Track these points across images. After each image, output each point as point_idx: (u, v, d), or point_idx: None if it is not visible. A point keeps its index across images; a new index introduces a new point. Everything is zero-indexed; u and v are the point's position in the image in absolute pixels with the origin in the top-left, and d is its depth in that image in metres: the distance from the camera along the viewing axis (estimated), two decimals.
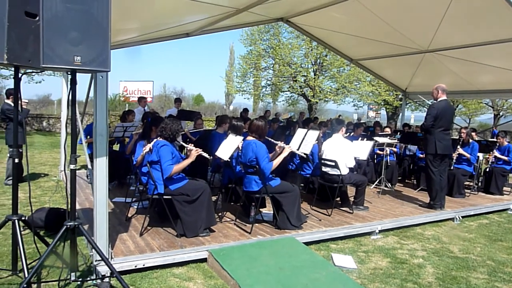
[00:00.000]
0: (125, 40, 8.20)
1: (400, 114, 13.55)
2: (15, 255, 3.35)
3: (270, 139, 5.31)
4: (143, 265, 3.78)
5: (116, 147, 7.97)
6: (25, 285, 2.89)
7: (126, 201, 5.86)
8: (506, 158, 8.13)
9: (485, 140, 9.75)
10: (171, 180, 4.43)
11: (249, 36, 25.06)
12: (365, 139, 7.37)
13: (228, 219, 5.25)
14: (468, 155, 7.68)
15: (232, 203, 5.94)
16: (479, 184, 8.39)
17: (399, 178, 8.95)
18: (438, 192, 6.33)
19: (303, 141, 5.42)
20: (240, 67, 27.16)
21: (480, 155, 8.31)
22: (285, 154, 4.91)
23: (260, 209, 5.29)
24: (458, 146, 7.70)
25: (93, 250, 3.36)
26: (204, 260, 4.09)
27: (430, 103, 6.48)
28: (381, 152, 8.18)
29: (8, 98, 7.25)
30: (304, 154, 5.35)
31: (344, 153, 5.85)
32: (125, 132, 7.12)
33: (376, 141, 7.50)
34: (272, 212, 5.11)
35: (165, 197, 4.42)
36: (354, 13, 7.22)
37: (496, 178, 8.05)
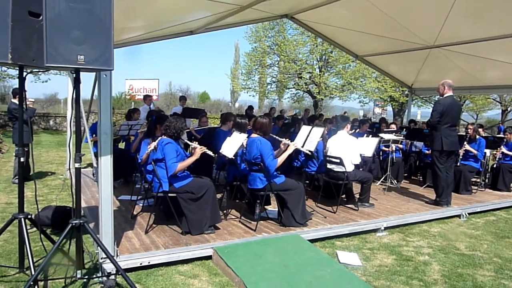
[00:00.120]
0: (129, 38, 8.23)
1: (406, 110, 13.46)
2: (22, 253, 3.38)
3: (274, 136, 5.30)
4: (148, 262, 3.80)
5: (121, 145, 8.00)
6: (31, 283, 2.92)
7: (131, 199, 5.89)
8: None
9: (492, 136, 9.66)
10: (176, 178, 4.44)
11: (254, 33, 25.03)
12: (371, 135, 7.34)
13: (233, 217, 5.26)
14: (475, 151, 7.62)
15: (237, 201, 5.96)
16: (486, 180, 8.33)
17: (405, 174, 8.91)
18: (444, 188, 6.29)
19: (307, 138, 5.41)
20: (245, 64, 27.14)
21: (487, 151, 8.24)
22: (289, 151, 4.90)
23: (265, 207, 5.29)
24: (465, 142, 7.64)
25: (99, 248, 3.38)
26: (209, 257, 4.10)
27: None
28: (386, 149, 8.14)
29: (14, 97, 7.30)
30: (309, 151, 5.33)
31: (349, 150, 5.83)
32: (130, 130, 7.15)
33: (381, 137, 7.46)
34: (277, 209, 5.11)
35: (170, 195, 4.44)
36: (359, 8, 7.17)
37: (503, 175, 7.97)
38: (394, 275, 3.94)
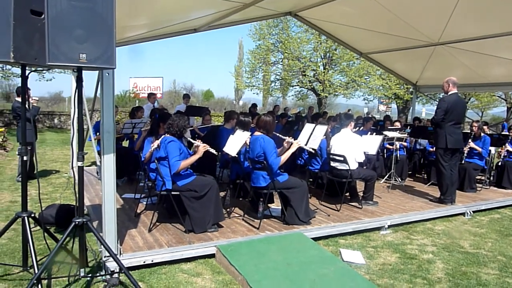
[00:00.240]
0: (133, 37, 8.22)
1: (411, 108, 13.40)
2: (26, 252, 3.40)
3: (278, 134, 5.29)
4: (152, 260, 3.81)
5: (125, 143, 8.02)
6: (35, 281, 2.93)
7: (135, 197, 5.91)
8: None
9: (497, 134, 9.60)
10: (179, 176, 4.44)
11: (257, 31, 24.95)
12: (375, 133, 7.31)
13: (237, 215, 5.26)
14: (480, 149, 7.57)
15: (240, 199, 5.95)
16: (491, 178, 8.27)
17: (409, 172, 8.87)
18: (448, 186, 6.25)
19: (311, 136, 5.39)
20: (249, 62, 27.10)
21: (492, 149, 8.17)
22: (293, 149, 4.89)
23: (268, 205, 5.29)
24: (470, 140, 7.59)
25: (102, 246, 3.39)
26: (212, 255, 4.10)
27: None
28: (391, 147, 8.10)
29: (18, 96, 7.32)
30: (312, 149, 5.32)
31: (353, 148, 5.80)
32: (134, 128, 7.16)
33: (385, 135, 7.43)
34: (280, 207, 5.10)
35: (173, 193, 4.44)
36: (363, 6, 7.13)
37: (508, 172, 7.92)
38: (398, 273, 3.93)
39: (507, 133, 9.44)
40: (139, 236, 4.28)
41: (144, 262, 3.77)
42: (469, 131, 7.96)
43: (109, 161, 3.46)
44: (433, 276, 3.90)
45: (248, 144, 5.00)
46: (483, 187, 7.84)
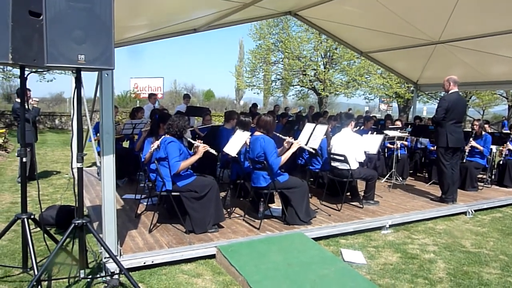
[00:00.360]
0: (133, 37, 8.23)
1: (412, 107, 13.38)
2: (26, 253, 3.39)
3: (278, 134, 5.28)
4: (152, 261, 3.80)
5: (126, 144, 8.01)
6: (34, 283, 2.92)
7: (136, 197, 5.90)
8: None
9: (498, 132, 9.58)
10: (179, 177, 4.43)
11: (258, 31, 24.94)
12: (375, 132, 7.29)
13: (237, 215, 5.25)
14: (481, 148, 7.55)
15: (241, 199, 5.94)
16: (493, 177, 8.24)
17: (410, 171, 8.85)
18: (450, 185, 6.23)
19: (311, 136, 5.37)
20: (249, 62, 27.10)
21: (494, 147, 8.15)
22: (293, 149, 4.87)
23: (269, 205, 5.28)
24: (471, 139, 7.57)
25: (102, 247, 3.38)
26: (212, 256, 4.09)
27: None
28: (391, 146, 8.09)
29: (19, 97, 7.32)
30: (313, 149, 5.30)
31: (353, 147, 5.79)
32: (134, 129, 7.15)
33: (386, 134, 7.41)
34: (281, 207, 5.08)
35: (173, 193, 4.43)
36: (363, 5, 7.11)
37: (510, 171, 7.88)
38: (399, 273, 3.91)
39: (508, 131, 9.41)
40: (139, 237, 4.28)
41: (144, 263, 3.76)
42: (470, 130, 7.93)
43: (109, 162, 3.46)
44: (434, 276, 3.88)
45: (248, 144, 4.99)
46: (485, 186, 7.82)
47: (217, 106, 38.25)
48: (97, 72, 3.93)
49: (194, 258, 4.02)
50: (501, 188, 7.78)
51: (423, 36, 8.13)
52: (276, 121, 6.87)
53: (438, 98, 6.41)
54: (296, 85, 26.72)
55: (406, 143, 8.46)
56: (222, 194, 5.54)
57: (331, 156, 5.94)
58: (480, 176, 8.02)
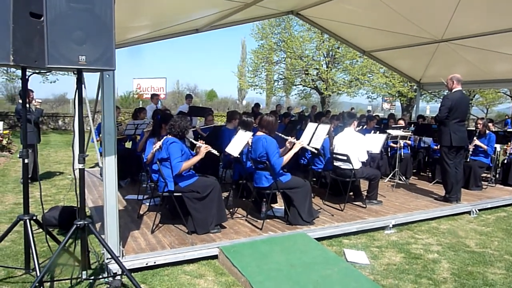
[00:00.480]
0: (135, 37, 8.24)
1: (415, 106, 13.34)
2: (28, 254, 3.39)
3: (280, 134, 5.26)
4: (154, 262, 3.79)
5: (128, 144, 8.02)
6: (37, 284, 2.92)
7: (138, 198, 5.90)
8: None
9: (502, 131, 9.52)
10: (181, 177, 4.42)
11: (260, 30, 24.94)
12: (378, 132, 7.26)
13: (239, 215, 5.24)
14: (485, 147, 7.50)
15: (243, 199, 5.93)
16: (497, 176, 8.19)
17: (414, 171, 8.80)
18: (453, 185, 6.19)
19: (313, 136, 5.36)
20: (251, 62, 27.10)
21: (498, 146, 8.10)
22: (295, 150, 4.86)
23: (271, 205, 5.26)
24: (475, 137, 7.52)
25: (104, 248, 3.38)
26: (215, 257, 4.08)
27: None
28: (395, 145, 8.05)
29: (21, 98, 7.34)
30: (315, 149, 5.28)
31: (356, 147, 5.77)
32: (136, 129, 7.16)
33: (389, 134, 7.38)
34: (283, 207, 5.07)
35: (175, 194, 4.42)
36: (365, 4, 7.08)
37: None
38: (403, 273, 3.89)
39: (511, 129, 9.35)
40: (141, 238, 4.27)
41: (146, 264, 3.75)
42: (474, 129, 7.89)
43: (111, 163, 3.45)
44: (438, 276, 3.85)
45: (251, 144, 4.97)
46: (489, 185, 7.76)
47: (219, 106, 38.26)
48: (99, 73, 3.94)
49: (197, 259, 4.01)
50: (506, 187, 7.74)
51: (426, 34, 8.09)
52: (279, 121, 6.85)
53: (441, 97, 6.37)
54: (298, 84, 26.71)
55: (409, 142, 8.42)
56: (225, 194, 5.54)
57: (334, 155, 5.92)
58: (484, 175, 7.96)
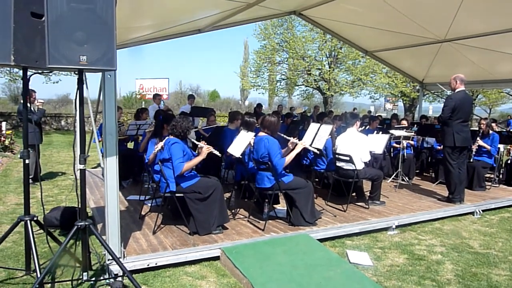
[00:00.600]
0: (138, 38, 8.22)
1: (418, 106, 13.30)
2: (29, 255, 3.38)
3: (282, 135, 5.23)
4: (156, 263, 3.77)
5: (130, 145, 8.01)
6: (37, 285, 2.91)
7: (140, 199, 5.88)
8: None
9: (506, 131, 9.46)
10: (183, 178, 4.41)
11: (262, 31, 24.91)
12: (381, 132, 7.23)
13: (242, 216, 5.22)
14: (488, 147, 7.46)
15: (245, 200, 5.91)
16: (500, 176, 8.15)
17: (417, 171, 8.77)
18: (457, 185, 6.15)
19: (316, 136, 5.32)
20: (254, 62, 27.08)
21: (501, 146, 8.06)
22: (297, 150, 4.83)
23: (274, 206, 5.24)
24: (478, 138, 7.48)
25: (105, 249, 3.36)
26: (217, 258, 4.06)
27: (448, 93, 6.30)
28: (397, 145, 8.01)
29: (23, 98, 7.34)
30: (317, 149, 5.26)
31: (358, 147, 5.74)
32: (138, 130, 7.14)
33: (392, 134, 7.35)
34: (285, 208, 5.04)
35: (177, 195, 4.41)
36: (368, 4, 7.05)
37: None
38: (406, 275, 3.86)
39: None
40: (143, 239, 4.26)
41: (148, 265, 3.74)
42: (477, 129, 7.85)
43: (112, 164, 3.44)
44: (442, 278, 3.82)
45: (253, 144, 4.95)
46: (492, 185, 7.72)
47: (222, 106, 38.32)
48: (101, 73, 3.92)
49: (198, 260, 3.99)
50: (509, 188, 7.69)
51: (429, 34, 8.06)
52: (281, 121, 6.83)
53: (444, 97, 6.33)
54: (301, 85, 26.67)
55: (412, 142, 8.39)
56: (227, 195, 5.52)
57: (336, 156, 5.89)
58: (487, 175, 7.93)
